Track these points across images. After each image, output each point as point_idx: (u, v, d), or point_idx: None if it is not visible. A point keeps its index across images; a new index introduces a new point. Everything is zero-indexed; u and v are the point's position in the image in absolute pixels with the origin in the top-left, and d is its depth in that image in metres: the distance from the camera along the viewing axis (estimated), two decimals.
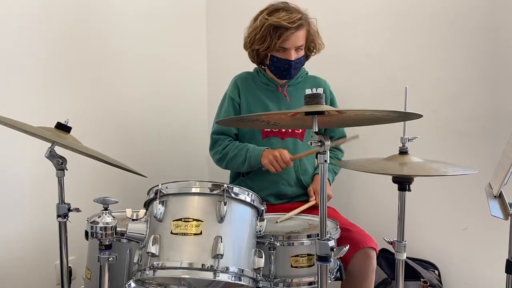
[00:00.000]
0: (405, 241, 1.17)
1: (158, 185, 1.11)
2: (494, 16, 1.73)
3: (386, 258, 1.86)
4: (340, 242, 1.34)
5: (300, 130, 1.69)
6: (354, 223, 1.54)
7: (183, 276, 1.01)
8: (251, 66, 1.78)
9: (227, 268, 1.01)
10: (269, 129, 1.67)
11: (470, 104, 1.80)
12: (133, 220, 1.10)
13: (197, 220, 1.04)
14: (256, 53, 1.65)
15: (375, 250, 1.44)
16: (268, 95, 1.71)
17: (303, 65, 1.70)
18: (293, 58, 1.59)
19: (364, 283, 1.44)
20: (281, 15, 1.54)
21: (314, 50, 1.68)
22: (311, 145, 0.96)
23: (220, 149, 1.69)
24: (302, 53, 1.63)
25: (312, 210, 1.60)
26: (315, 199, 1.62)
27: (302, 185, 1.69)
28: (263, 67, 1.75)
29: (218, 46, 2.47)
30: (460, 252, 1.87)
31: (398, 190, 1.14)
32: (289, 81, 1.71)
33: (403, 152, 1.15)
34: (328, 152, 0.97)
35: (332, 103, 1.75)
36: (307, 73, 1.78)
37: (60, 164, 1.23)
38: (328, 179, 1.68)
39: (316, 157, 0.99)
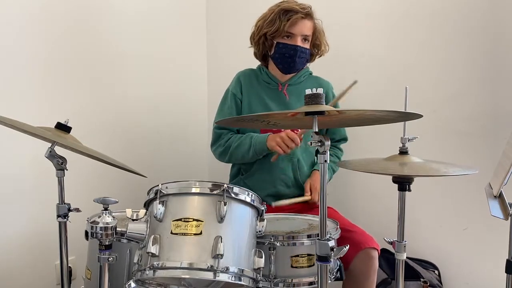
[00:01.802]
0: (405, 241, 1.17)
1: (158, 185, 1.11)
2: (494, 16, 1.73)
3: (386, 258, 1.86)
4: (341, 242, 1.34)
5: (299, 130, 1.69)
6: (355, 224, 1.54)
7: (183, 276, 1.01)
8: (250, 66, 1.78)
9: (227, 268, 1.01)
10: (269, 129, 1.67)
11: (470, 104, 1.80)
12: (133, 220, 1.10)
13: (197, 220, 1.04)
14: (262, 41, 1.66)
15: (377, 251, 1.44)
16: (269, 93, 1.71)
17: (308, 61, 1.70)
18: (299, 44, 1.61)
19: (366, 284, 1.45)
20: (291, 1, 1.62)
21: (318, 51, 1.70)
22: (311, 145, 0.96)
23: (222, 142, 1.69)
24: (307, 45, 1.65)
25: (313, 210, 1.60)
26: (310, 195, 1.62)
27: (300, 186, 1.69)
28: (265, 65, 1.75)
29: (218, 46, 2.47)
30: (460, 252, 1.87)
31: (398, 190, 1.14)
32: (291, 80, 1.71)
33: (403, 152, 1.15)
34: (328, 152, 0.97)
35: (335, 105, 1.74)
36: (310, 73, 1.78)
37: (60, 164, 1.23)
38: None
39: (316, 155, 0.98)
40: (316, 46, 1.69)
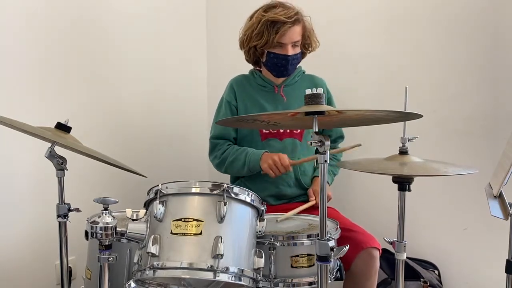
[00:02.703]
0: (405, 241, 1.17)
1: (158, 185, 1.11)
2: (494, 16, 1.73)
3: (386, 258, 1.86)
4: (343, 242, 1.33)
5: (299, 130, 1.69)
6: (356, 224, 1.54)
7: (183, 276, 1.01)
8: (251, 66, 1.78)
9: (227, 268, 1.01)
10: (268, 131, 1.67)
11: (470, 104, 1.80)
12: (133, 220, 1.10)
13: (197, 220, 1.04)
14: (253, 51, 1.65)
15: (379, 250, 1.44)
16: (264, 96, 1.71)
17: (300, 62, 1.70)
18: (290, 53, 1.59)
19: (367, 284, 1.44)
20: (278, 11, 1.57)
21: (310, 48, 1.69)
22: (311, 145, 0.96)
23: (219, 154, 1.69)
24: (298, 49, 1.64)
25: (313, 210, 1.60)
26: (315, 200, 1.62)
27: (302, 186, 1.69)
28: (258, 68, 1.75)
29: (218, 46, 2.47)
30: (460, 252, 1.87)
31: (398, 190, 1.14)
32: (286, 81, 1.71)
33: (403, 152, 1.15)
34: (328, 152, 0.97)
35: (329, 102, 1.75)
36: (303, 72, 1.78)
37: (60, 164, 1.23)
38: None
39: (316, 159, 0.98)
40: (307, 45, 1.68)
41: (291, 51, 1.60)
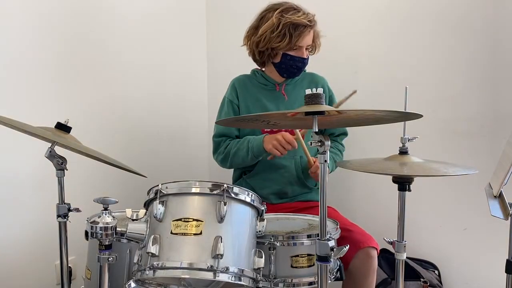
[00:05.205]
0: (405, 241, 1.17)
1: (158, 185, 1.11)
2: (494, 17, 1.73)
3: (386, 258, 1.86)
4: (340, 242, 1.34)
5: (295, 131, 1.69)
6: (354, 223, 1.54)
7: (183, 276, 1.01)
8: (251, 66, 1.78)
9: (227, 268, 1.01)
10: (269, 130, 1.68)
11: (470, 104, 1.80)
12: (133, 220, 1.10)
13: (197, 220, 1.04)
14: (268, 52, 1.63)
15: (376, 250, 1.44)
16: (266, 95, 1.71)
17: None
18: (305, 56, 1.63)
19: (365, 283, 1.44)
20: (299, 14, 1.58)
21: (313, 51, 1.70)
22: (311, 145, 0.96)
23: (222, 149, 1.70)
24: (307, 52, 1.66)
25: (313, 210, 1.60)
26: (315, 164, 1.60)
27: (303, 184, 1.70)
28: (260, 69, 1.75)
29: (218, 46, 2.47)
30: (460, 252, 1.87)
31: (398, 190, 1.15)
32: (287, 80, 1.72)
33: (403, 152, 1.15)
34: (328, 152, 0.97)
35: (330, 100, 1.75)
36: (304, 70, 1.78)
37: (60, 164, 1.23)
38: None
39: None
40: (313, 48, 1.69)
41: (305, 54, 1.63)
